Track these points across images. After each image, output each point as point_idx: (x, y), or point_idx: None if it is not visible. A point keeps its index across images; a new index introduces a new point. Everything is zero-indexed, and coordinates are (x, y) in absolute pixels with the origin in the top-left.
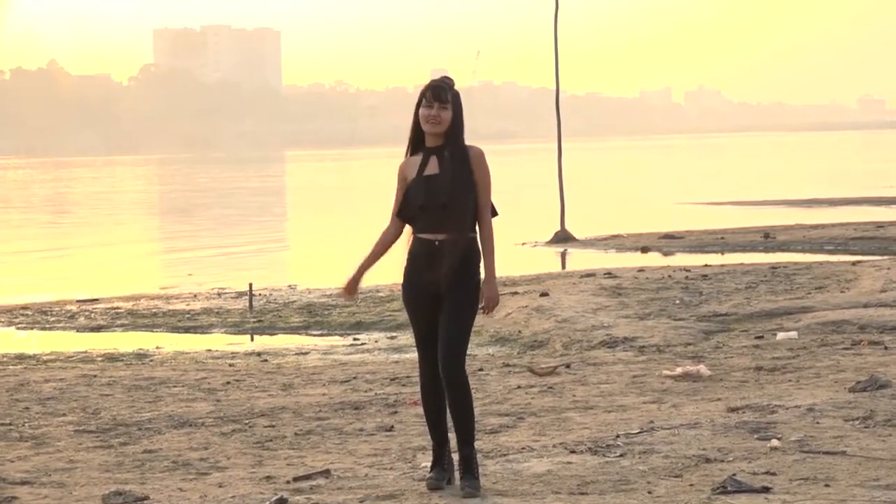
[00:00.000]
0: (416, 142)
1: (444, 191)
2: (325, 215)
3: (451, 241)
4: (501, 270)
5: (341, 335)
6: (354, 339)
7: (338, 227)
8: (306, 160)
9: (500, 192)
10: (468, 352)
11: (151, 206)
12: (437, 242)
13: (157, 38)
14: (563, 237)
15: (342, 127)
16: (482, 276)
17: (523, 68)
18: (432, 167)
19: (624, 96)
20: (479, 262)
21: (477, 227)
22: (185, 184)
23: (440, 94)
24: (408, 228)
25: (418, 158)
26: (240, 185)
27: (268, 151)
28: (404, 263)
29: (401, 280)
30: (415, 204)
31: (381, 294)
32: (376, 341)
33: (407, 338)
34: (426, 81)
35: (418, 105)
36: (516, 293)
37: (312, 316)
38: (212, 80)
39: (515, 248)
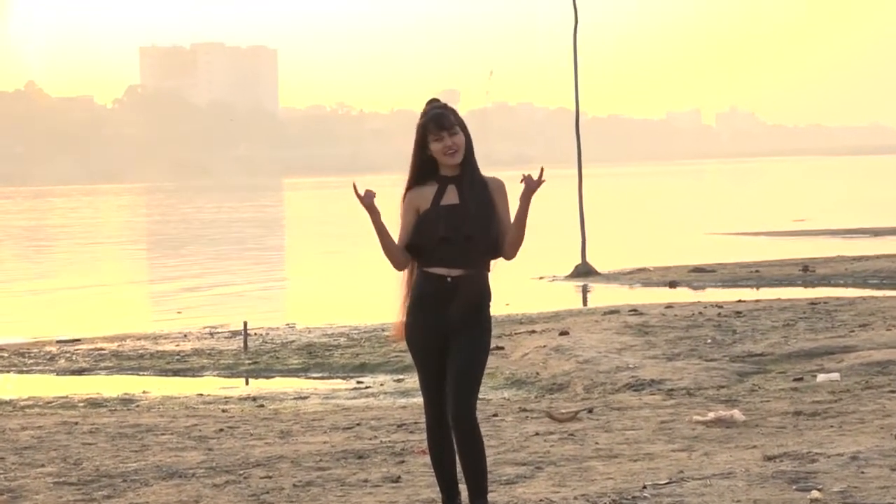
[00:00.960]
0: (424, 173)
1: (468, 222)
2: (326, 248)
3: (467, 277)
4: (515, 307)
5: (344, 378)
6: (358, 383)
7: (340, 260)
8: (305, 188)
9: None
10: (481, 395)
11: (137, 239)
12: (450, 279)
13: (144, 56)
14: (584, 271)
15: (344, 152)
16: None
17: (540, 88)
18: (451, 197)
19: (649, 118)
20: (490, 299)
21: (492, 265)
22: (174, 214)
23: (443, 121)
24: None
25: (432, 188)
26: (233, 216)
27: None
28: (404, 301)
29: (398, 319)
30: (434, 235)
31: (386, 333)
32: (381, 384)
33: (415, 381)
34: (424, 112)
35: (419, 141)
36: (533, 332)
37: (312, 357)
38: (203, 102)
39: (532, 282)
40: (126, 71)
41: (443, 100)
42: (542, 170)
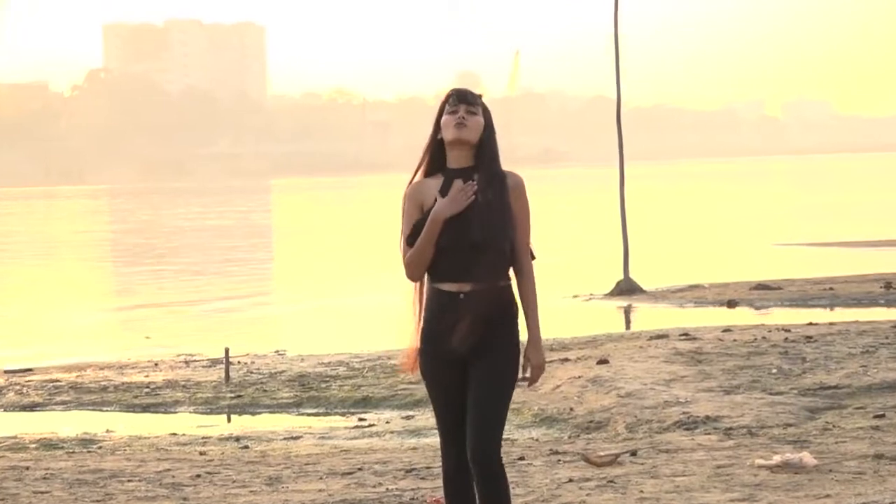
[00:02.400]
0: (434, 164)
1: (476, 227)
2: (321, 262)
3: (478, 292)
4: (547, 331)
5: (343, 414)
6: (360, 420)
7: (338, 277)
8: (298, 190)
9: (543, 230)
10: (505, 435)
11: (100, 251)
12: (461, 295)
13: (109, 35)
14: (627, 288)
15: (344, 148)
16: (523, 336)
17: (574, 73)
18: None
19: (703, 109)
20: (518, 317)
21: (512, 276)
22: (142, 221)
23: (466, 96)
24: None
25: (436, 182)
26: (213, 224)
27: (249, 179)
28: (418, 322)
29: (412, 345)
30: (435, 243)
31: (392, 361)
32: (387, 422)
33: (427, 417)
34: (448, 90)
35: (439, 116)
36: (567, 360)
37: (306, 390)
38: (178, 89)
39: (566, 301)
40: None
41: (462, 86)
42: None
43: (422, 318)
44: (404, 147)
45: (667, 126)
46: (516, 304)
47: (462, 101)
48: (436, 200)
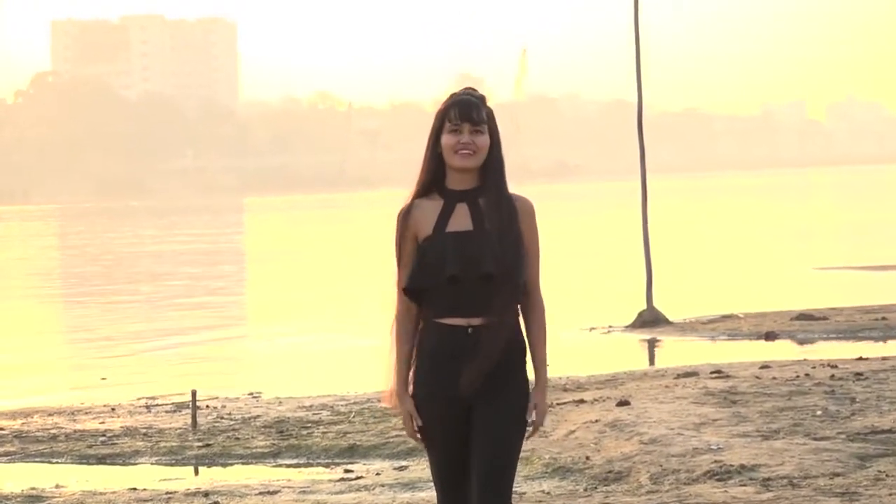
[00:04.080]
0: (432, 182)
1: (487, 255)
2: (301, 292)
3: (488, 327)
4: (560, 368)
5: (327, 465)
6: (346, 471)
7: (320, 309)
8: (275, 209)
9: (556, 254)
10: (513, 488)
11: (47, 279)
12: (469, 330)
13: (58, 33)
14: (650, 319)
15: (327, 161)
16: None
17: (590, 75)
18: (461, 220)
19: (738, 114)
20: (526, 355)
21: (520, 311)
22: (97, 246)
23: (470, 111)
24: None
25: (436, 204)
26: (177, 248)
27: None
28: (399, 358)
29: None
30: (439, 273)
31: (383, 405)
32: (378, 473)
33: (423, 468)
34: (447, 95)
35: (436, 131)
36: (582, 402)
37: (284, 437)
38: (136, 95)
39: (581, 334)
40: (32, 54)
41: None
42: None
43: (415, 357)
44: (397, 160)
45: (697, 133)
46: (524, 344)
47: (466, 119)
48: (434, 229)
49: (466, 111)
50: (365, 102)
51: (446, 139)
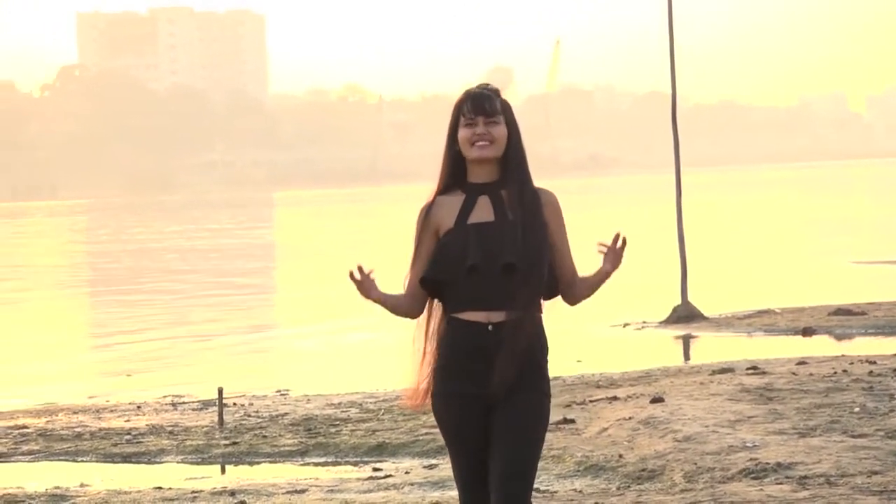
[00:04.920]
0: (453, 179)
1: (509, 245)
2: (330, 288)
3: (514, 323)
4: (593, 364)
5: (355, 464)
6: (375, 470)
7: (349, 305)
8: (304, 203)
9: (587, 249)
10: (543, 486)
11: (73, 276)
12: (490, 327)
13: (84, 26)
14: (685, 314)
15: (357, 155)
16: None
17: (624, 66)
18: (483, 211)
19: (775, 105)
20: (548, 353)
21: (544, 305)
22: (124, 241)
23: (483, 103)
24: (435, 306)
25: (458, 199)
26: (205, 243)
27: (248, 191)
28: (430, 360)
29: (421, 385)
30: (460, 264)
31: (401, 403)
32: (407, 472)
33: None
34: (461, 94)
35: (452, 128)
36: (615, 399)
37: (312, 435)
38: (164, 88)
39: (614, 331)
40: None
41: (493, 82)
42: (617, 235)
43: (435, 355)
44: (427, 153)
45: (733, 126)
46: (546, 341)
47: (479, 112)
48: (455, 221)
49: (479, 104)
50: (395, 95)
51: (462, 133)
